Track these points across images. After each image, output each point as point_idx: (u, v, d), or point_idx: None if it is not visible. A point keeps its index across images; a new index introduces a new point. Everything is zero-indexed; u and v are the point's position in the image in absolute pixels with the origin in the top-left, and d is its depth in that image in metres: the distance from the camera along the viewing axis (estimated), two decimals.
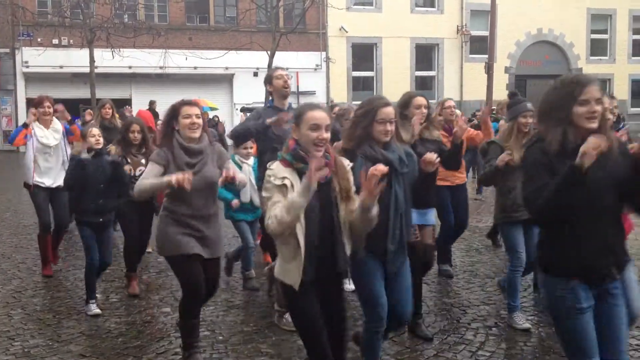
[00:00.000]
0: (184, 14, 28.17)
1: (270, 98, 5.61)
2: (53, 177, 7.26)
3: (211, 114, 25.24)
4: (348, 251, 3.43)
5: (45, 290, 6.75)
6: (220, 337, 5.29)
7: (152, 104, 24.50)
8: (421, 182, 4.27)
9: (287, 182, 3.25)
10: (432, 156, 4.30)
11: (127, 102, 27.16)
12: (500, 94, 30.19)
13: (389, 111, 3.84)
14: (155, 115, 23.45)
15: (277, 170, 3.31)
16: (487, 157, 5.43)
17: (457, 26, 31.15)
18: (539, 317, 5.65)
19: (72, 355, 5.00)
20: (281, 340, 5.17)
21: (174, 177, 4.23)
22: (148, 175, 4.50)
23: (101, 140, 5.92)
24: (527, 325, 5.30)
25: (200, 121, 4.58)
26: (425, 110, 5.10)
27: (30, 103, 7.76)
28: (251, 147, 6.61)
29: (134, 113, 16.19)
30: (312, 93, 29.23)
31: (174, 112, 4.62)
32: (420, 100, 5.12)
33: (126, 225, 6.61)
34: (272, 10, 23.83)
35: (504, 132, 5.48)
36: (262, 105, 22.85)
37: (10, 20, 24.96)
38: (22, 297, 6.52)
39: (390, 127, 3.83)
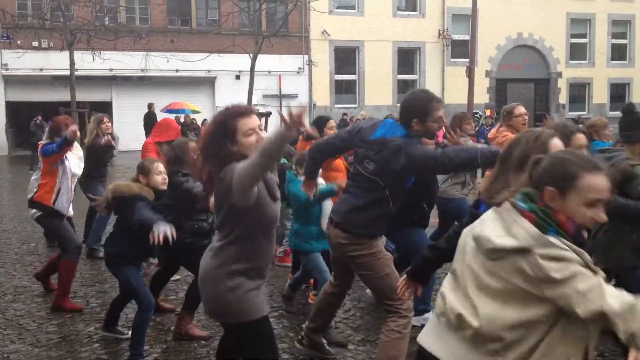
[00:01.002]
0: (165, 17, 28.06)
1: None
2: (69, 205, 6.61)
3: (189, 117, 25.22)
4: None
5: (24, 295, 6.67)
6: None
7: (150, 106, 24.40)
8: None
9: None
10: None
11: (108, 105, 27.06)
12: (481, 97, 30.53)
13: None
14: (155, 118, 23.29)
15: None
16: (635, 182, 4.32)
17: (439, 30, 31.32)
18: None
19: None
20: None
21: None
22: None
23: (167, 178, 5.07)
24: None
25: (264, 134, 3.27)
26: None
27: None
28: None
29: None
30: (295, 96, 29.24)
31: (226, 128, 3.22)
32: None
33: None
34: (255, 13, 23.82)
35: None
36: None
37: None
38: (2, 302, 6.45)
39: None
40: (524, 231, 2.22)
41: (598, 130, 6.15)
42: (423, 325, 5.37)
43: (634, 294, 4.68)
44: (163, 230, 4.37)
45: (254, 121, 3.25)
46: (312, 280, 6.29)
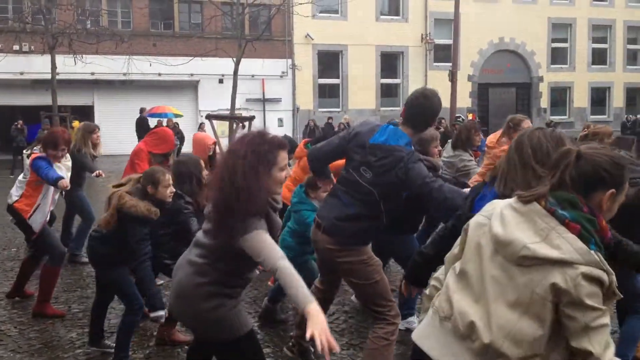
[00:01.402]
0: (148, 20, 27.94)
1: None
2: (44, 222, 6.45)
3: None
4: None
5: (5, 301, 6.60)
6: None
7: (142, 111, 24.22)
8: None
9: None
10: None
11: (90, 109, 26.89)
12: (464, 101, 30.70)
13: None
14: (147, 123, 23.01)
15: None
16: None
17: (422, 34, 31.46)
18: None
19: None
20: None
21: None
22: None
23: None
24: None
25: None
26: None
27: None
28: None
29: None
30: (278, 100, 29.25)
31: (265, 160, 3.05)
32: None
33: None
34: (238, 17, 23.77)
35: None
36: (228, 112, 22.79)
37: None
38: None
39: None
40: (567, 244, 2.07)
41: (603, 139, 5.89)
42: (408, 329, 5.40)
43: (620, 307, 4.62)
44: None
45: (287, 155, 3.15)
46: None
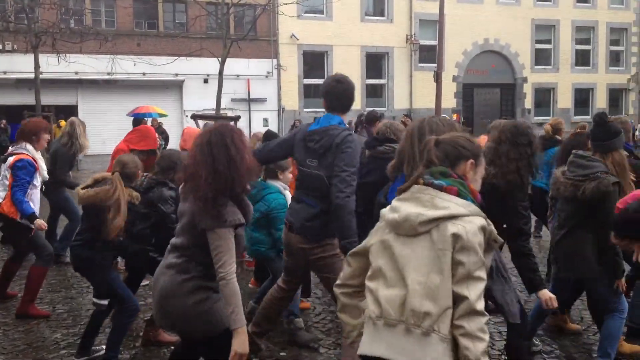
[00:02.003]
0: (132, 20, 27.79)
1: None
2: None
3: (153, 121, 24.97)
4: None
5: None
6: None
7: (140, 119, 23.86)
8: None
9: None
10: None
11: (74, 108, 26.69)
12: (449, 102, 30.84)
13: None
14: (144, 123, 22.65)
15: None
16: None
17: (407, 35, 31.54)
18: None
19: None
20: None
21: None
22: None
23: None
24: None
25: None
26: None
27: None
28: None
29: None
30: (263, 100, 29.21)
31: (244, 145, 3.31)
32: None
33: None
34: (223, 17, 23.70)
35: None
36: (213, 112, 22.73)
37: None
38: None
39: None
40: (452, 203, 2.46)
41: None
42: None
43: (596, 307, 4.73)
44: None
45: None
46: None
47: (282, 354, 5.13)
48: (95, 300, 4.79)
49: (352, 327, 2.81)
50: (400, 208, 2.53)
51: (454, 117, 28.13)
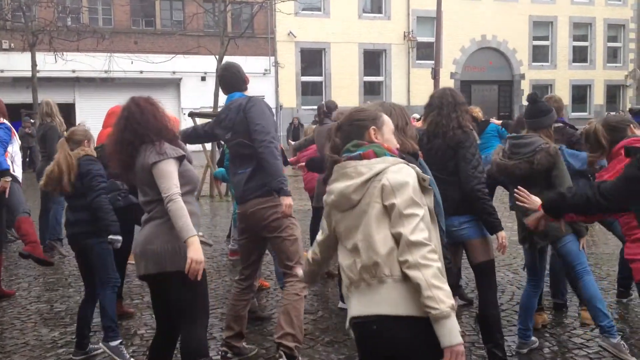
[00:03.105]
0: (129, 17, 27.75)
1: None
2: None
3: None
4: None
5: None
6: None
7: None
8: None
9: None
10: None
11: (71, 107, 26.65)
12: None
13: None
14: None
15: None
16: None
17: (404, 32, 31.53)
18: None
19: None
20: None
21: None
22: None
23: None
24: None
25: None
26: None
27: None
28: None
29: None
30: (261, 97, 29.15)
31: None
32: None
33: None
34: (220, 15, 23.65)
35: None
36: (211, 109, 22.71)
37: None
38: None
39: None
40: (372, 163, 2.64)
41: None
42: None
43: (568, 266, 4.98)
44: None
45: None
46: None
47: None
48: (111, 237, 4.82)
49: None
50: (334, 189, 2.72)
51: None
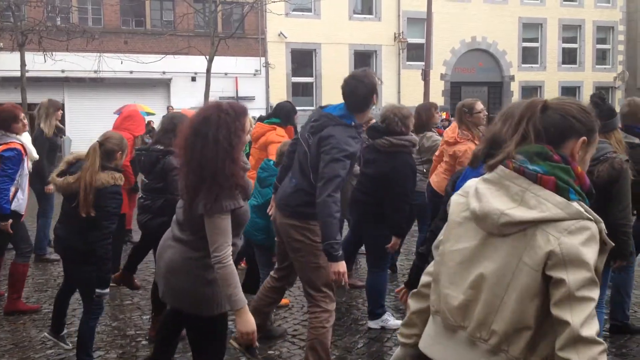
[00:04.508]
0: (119, 17, 27.64)
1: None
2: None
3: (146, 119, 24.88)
4: None
5: None
6: None
7: (168, 109, 23.65)
8: None
9: None
10: None
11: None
12: (437, 100, 30.85)
13: None
14: None
15: None
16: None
17: (395, 33, 31.57)
18: None
19: None
20: None
21: None
22: None
23: None
24: None
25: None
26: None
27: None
28: None
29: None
30: (252, 98, 29.13)
31: (238, 133, 3.27)
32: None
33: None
34: (211, 15, 23.63)
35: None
36: None
37: None
38: None
39: None
40: (545, 201, 1.93)
41: None
42: (383, 328, 5.42)
43: None
44: None
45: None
46: None
47: (269, 352, 5.12)
48: (98, 291, 4.45)
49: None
50: (485, 196, 2.04)
51: (444, 115, 28.16)
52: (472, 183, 2.17)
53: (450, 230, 2.18)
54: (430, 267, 2.37)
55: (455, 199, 2.21)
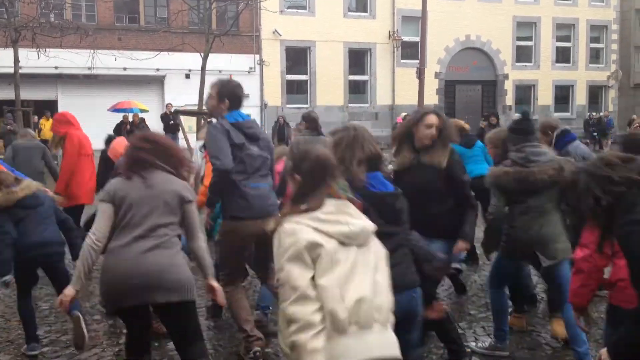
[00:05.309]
0: (112, 14, 27.56)
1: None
2: None
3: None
4: None
5: None
6: None
7: (167, 107, 23.18)
8: None
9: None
10: None
11: (53, 103, 26.45)
12: (431, 98, 30.92)
13: None
14: (169, 119, 22.07)
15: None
16: None
17: (389, 31, 31.59)
18: None
19: None
20: None
21: None
22: None
23: None
24: None
25: None
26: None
27: None
28: None
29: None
30: (246, 96, 28.97)
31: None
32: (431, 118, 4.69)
33: None
34: (205, 12, 23.60)
35: None
36: (195, 107, 22.58)
37: None
38: None
39: None
40: None
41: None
42: None
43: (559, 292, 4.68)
44: None
45: None
46: None
47: (267, 350, 5.13)
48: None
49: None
50: (351, 220, 2.90)
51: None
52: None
53: (325, 263, 2.83)
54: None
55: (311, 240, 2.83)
